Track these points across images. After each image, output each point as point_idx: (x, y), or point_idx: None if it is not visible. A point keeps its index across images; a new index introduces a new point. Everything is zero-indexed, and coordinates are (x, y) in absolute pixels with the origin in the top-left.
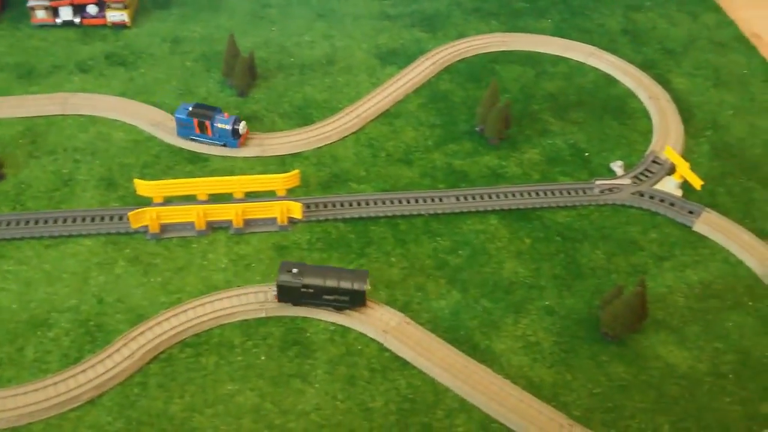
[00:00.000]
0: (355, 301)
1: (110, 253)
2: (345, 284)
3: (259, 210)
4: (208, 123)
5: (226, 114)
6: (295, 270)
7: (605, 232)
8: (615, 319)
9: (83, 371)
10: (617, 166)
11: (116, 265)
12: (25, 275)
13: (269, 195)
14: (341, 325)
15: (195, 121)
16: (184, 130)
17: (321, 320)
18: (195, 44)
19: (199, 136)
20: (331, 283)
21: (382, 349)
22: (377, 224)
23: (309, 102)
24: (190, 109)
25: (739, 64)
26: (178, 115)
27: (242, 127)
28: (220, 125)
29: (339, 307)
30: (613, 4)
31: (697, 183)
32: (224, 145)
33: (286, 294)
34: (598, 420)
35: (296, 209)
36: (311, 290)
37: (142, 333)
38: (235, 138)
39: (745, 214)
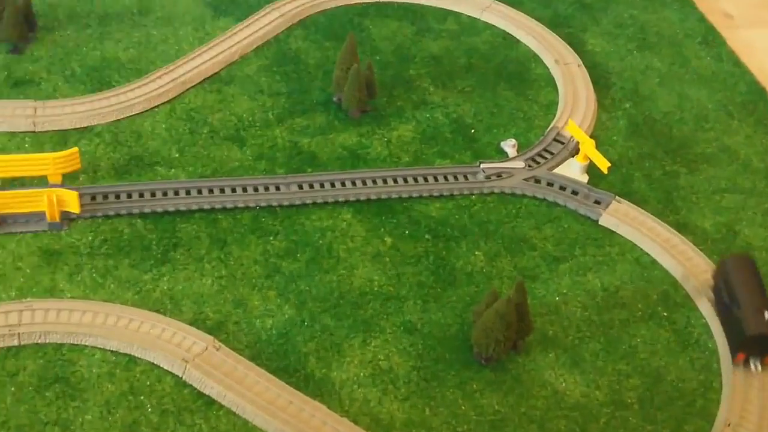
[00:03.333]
0: None
1: None
2: None
3: (18, 201)
4: None
5: None
6: None
7: (489, 228)
8: (486, 334)
9: None
10: (509, 146)
11: None
12: None
13: (40, 183)
14: (126, 354)
15: None
16: None
17: (98, 348)
18: None
19: None
20: None
21: (181, 383)
22: (189, 220)
23: (109, 62)
24: None
25: (671, 21)
26: None
27: None
28: None
29: None
30: None
31: (603, 165)
32: None
33: None
34: None
35: (72, 200)
36: None
37: None
38: None
39: (666, 205)
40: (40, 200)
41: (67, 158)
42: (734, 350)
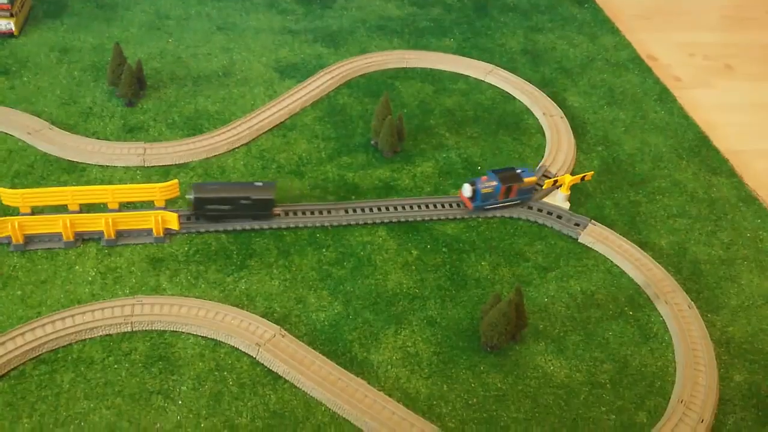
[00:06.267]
0: (264, 208)
1: None
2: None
3: (132, 220)
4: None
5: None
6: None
7: (492, 244)
8: (491, 328)
9: None
10: None
11: None
12: None
13: (148, 206)
14: (213, 339)
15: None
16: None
17: (191, 335)
18: (84, 54)
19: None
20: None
21: (255, 363)
22: (261, 236)
23: (200, 113)
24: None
25: (634, 83)
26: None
27: None
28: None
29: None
30: (515, 25)
31: (588, 174)
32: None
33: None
34: (472, 431)
35: (172, 219)
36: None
37: None
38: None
39: (631, 227)
40: (149, 220)
41: (169, 187)
42: None
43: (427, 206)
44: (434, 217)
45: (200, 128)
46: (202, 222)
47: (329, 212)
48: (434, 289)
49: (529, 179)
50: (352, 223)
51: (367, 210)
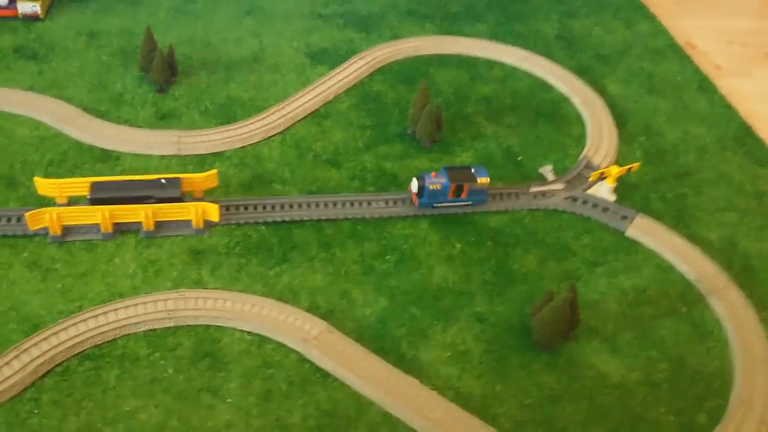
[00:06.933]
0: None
1: (6, 257)
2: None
3: (172, 212)
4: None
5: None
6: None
7: (538, 237)
8: (545, 326)
9: None
10: (547, 171)
11: (12, 270)
12: None
13: (185, 196)
14: (259, 335)
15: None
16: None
17: (237, 329)
18: (113, 38)
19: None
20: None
21: (302, 359)
22: (302, 228)
23: (233, 100)
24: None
25: (673, 71)
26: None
27: None
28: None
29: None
30: (549, 10)
31: (634, 166)
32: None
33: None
34: None
35: (213, 211)
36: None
37: (35, 344)
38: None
39: (678, 220)
40: (189, 211)
41: (209, 178)
42: None
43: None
44: (477, 210)
45: (233, 116)
46: (242, 212)
47: (369, 204)
48: (481, 284)
49: (482, 180)
50: (393, 215)
51: (408, 201)
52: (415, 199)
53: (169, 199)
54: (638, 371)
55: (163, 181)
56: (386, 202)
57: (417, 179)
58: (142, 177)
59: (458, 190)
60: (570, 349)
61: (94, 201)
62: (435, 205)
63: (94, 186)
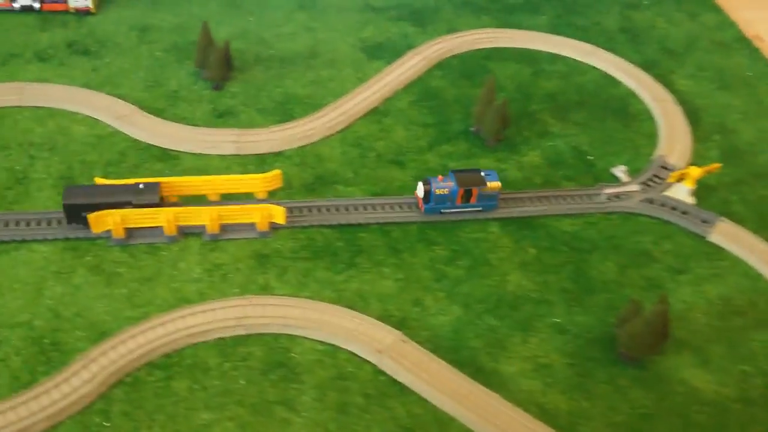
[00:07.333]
0: None
1: (68, 260)
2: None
3: (238, 214)
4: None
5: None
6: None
7: (615, 242)
8: (633, 339)
9: (36, 397)
10: (620, 171)
11: (75, 274)
12: None
13: (247, 197)
14: (331, 344)
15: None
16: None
17: (307, 338)
18: (165, 33)
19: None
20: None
21: (377, 371)
22: (367, 231)
23: (290, 97)
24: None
25: (743, 66)
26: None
27: None
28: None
29: None
30: (610, 2)
31: (714, 166)
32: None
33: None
34: None
35: (279, 214)
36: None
37: (104, 353)
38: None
39: (761, 224)
40: (254, 213)
41: (273, 178)
42: None
43: (539, 200)
44: (548, 213)
45: (291, 113)
46: (306, 214)
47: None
48: (559, 293)
49: (492, 184)
50: (462, 218)
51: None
52: (421, 204)
53: (148, 204)
54: (731, 387)
55: (141, 185)
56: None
57: (423, 183)
58: (120, 181)
59: (467, 195)
60: (658, 363)
61: (69, 207)
62: (442, 210)
63: (68, 191)
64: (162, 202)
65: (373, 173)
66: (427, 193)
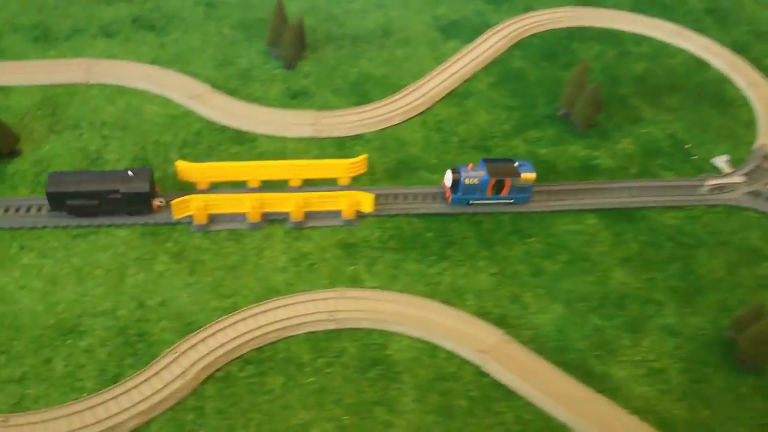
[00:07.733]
0: (139, 202)
1: (149, 246)
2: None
3: (325, 201)
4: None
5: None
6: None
7: (722, 238)
8: (756, 345)
9: (126, 392)
10: (722, 162)
11: (157, 260)
12: (49, 270)
13: (330, 183)
14: (428, 342)
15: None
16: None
17: (403, 335)
18: (232, 9)
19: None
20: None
21: (479, 372)
22: (457, 221)
23: (365, 77)
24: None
25: None
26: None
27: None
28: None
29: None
30: None
31: None
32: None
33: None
34: None
35: (367, 201)
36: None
37: (193, 346)
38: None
39: None
40: (341, 200)
41: (358, 163)
42: None
43: (637, 190)
44: (648, 204)
45: (367, 95)
46: (391, 202)
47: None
48: (667, 292)
49: (527, 175)
50: (556, 209)
51: (571, 194)
52: (448, 194)
53: (137, 193)
54: None
55: (130, 173)
56: (547, 194)
57: (452, 172)
58: (108, 170)
59: (498, 186)
60: None
61: (52, 196)
62: (471, 201)
63: (53, 178)
64: (154, 192)
65: (458, 159)
66: (456, 183)
